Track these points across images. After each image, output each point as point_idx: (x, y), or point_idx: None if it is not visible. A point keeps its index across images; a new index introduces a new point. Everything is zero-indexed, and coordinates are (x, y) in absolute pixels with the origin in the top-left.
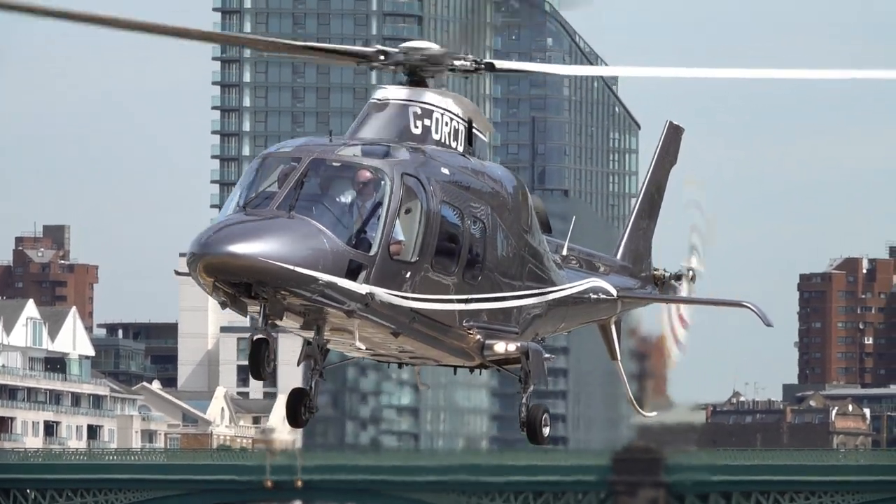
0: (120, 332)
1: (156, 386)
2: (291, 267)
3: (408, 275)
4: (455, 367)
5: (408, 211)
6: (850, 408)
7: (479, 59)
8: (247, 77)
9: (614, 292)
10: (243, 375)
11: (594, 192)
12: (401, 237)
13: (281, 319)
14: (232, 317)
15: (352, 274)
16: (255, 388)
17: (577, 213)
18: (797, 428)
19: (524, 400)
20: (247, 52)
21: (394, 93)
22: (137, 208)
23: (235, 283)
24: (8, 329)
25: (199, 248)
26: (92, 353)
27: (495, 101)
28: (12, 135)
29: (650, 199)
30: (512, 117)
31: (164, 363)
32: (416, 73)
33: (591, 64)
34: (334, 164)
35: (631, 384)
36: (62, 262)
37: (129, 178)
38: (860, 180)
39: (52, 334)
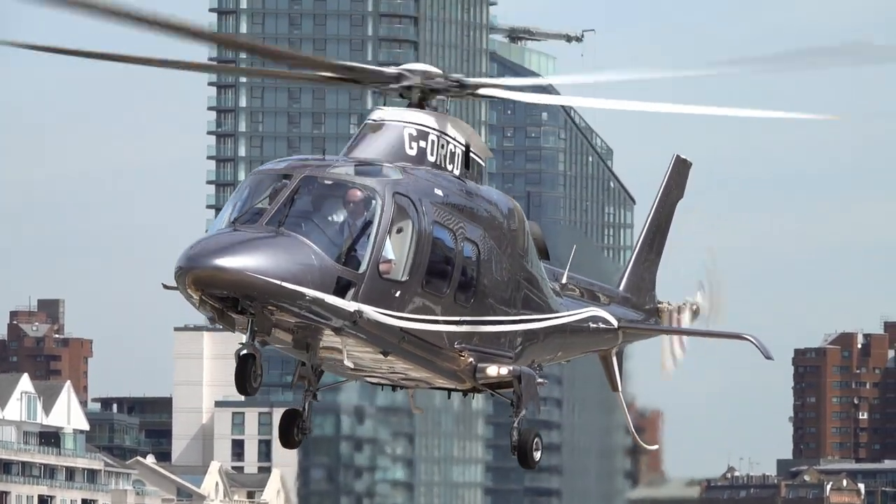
0: (114, 407)
1: (150, 460)
2: (278, 282)
3: (397, 294)
4: (449, 390)
5: (399, 230)
6: (845, 483)
7: (465, 83)
8: (242, 126)
9: (615, 323)
10: (238, 450)
11: (589, 268)
12: (391, 256)
13: (269, 335)
14: (227, 391)
15: (340, 291)
16: (250, 462)
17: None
18: (792, 503)
19: (516, 424)
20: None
21: (390, 114)
22: (132, 282)
23: (222, 297)
24: (2, 403)
25: (187, 262)
26: (86, 427)
27: (490, 176)
28: (6, 207)
29: (654, 233)
30: (507, 192)
31: (159, 437)
32: (414, 96)
33: (587, 139)
34: (326, 181)
35: (625, 460)
36: (57, 336)
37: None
38: (854, 255)
39: (47, 408)
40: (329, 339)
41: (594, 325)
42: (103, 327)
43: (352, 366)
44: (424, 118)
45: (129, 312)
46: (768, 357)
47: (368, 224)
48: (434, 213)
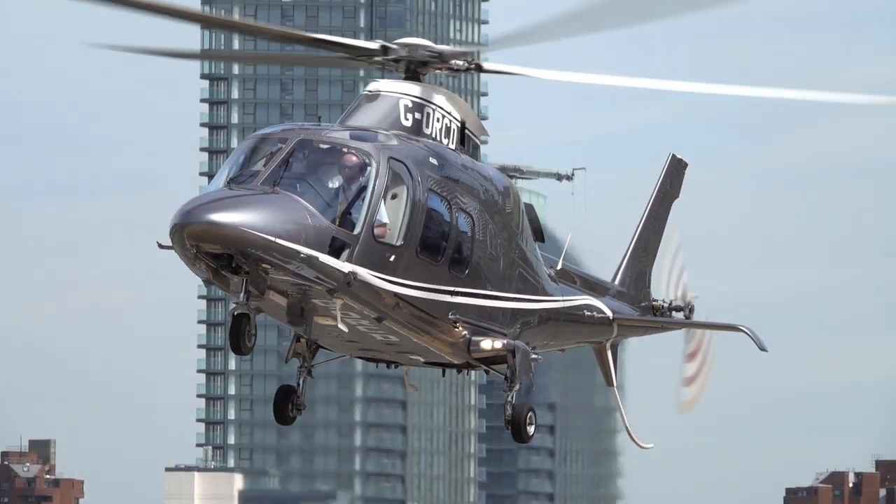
0: None
1: None
2: (273, 238)
3: (391, 258)
4: (443, 368)
5: (394, 196)
6: None
7: (469, 59)
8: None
9: (610, 314)
10: None
11: (582, 405)
12: (385, 220)
13: (262, 295)
14: None
15: (334, 252)
16: None
17: (565, 425)
18: None
19: (510, 398)
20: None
21: (386, 85)
22: (123, 423)
23: (217, 254)
24: None
25: (182, 218)
26: None
27: None
28: None
29: (649, 231)
30: None
31: None
32: (411, 70)
33: None
34: (321, 145)
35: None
36: (48, 476)
37: (115, 393)
38: (846, 393)
39: None
40: (324, 304)
41: (588, 314)
42: (95, 468)
43: (346, 330)
44: (420, 90)
45: (120, 453)
46: (762, 349)
47: (363, 188)
48: (429, 182)
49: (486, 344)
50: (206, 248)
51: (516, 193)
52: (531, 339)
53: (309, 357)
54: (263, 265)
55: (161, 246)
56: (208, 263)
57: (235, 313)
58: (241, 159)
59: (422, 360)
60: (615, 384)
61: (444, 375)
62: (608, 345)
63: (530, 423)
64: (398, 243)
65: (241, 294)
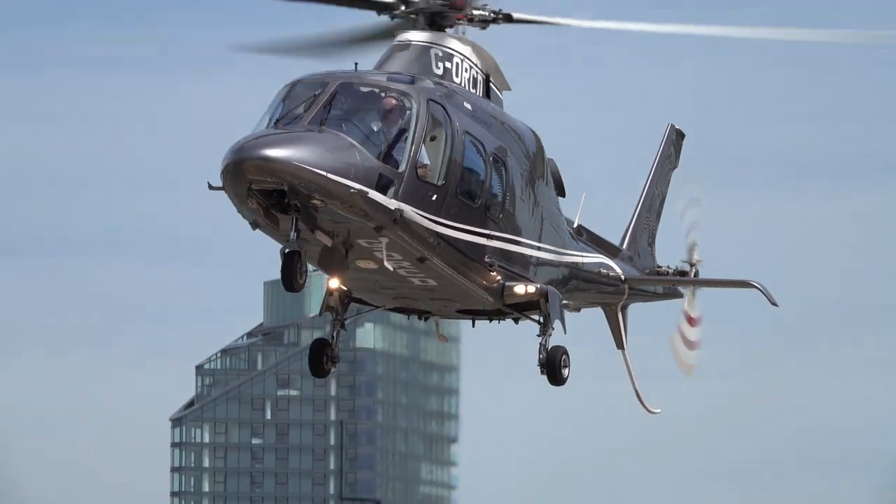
0: None
1: None
2: (324, 173)
3: (434, 197)
4: (473, 318)
5: (433, 137)
6: None
7: (497, 10)
8: None
9: (622, 275)
10: None
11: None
12: (426, 161)
13: (312, 233)
14: None
15: (381, 188)
16: None
17: None
18: None
19: (543, 342)
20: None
21: (416, 35)
22: None
23: (269, 191)
24: None
25: (236, 154)
26: None
27: None
28: None
29: (651, 197)
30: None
31: None
32: (436, 22)
33: None
34: (362, 87)
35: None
36: None
37: None
38: None
39: None
40: (369, 244)
41: (604, 273)
42: None
43: (392, 268)
44: (450, 41)
45: None
46: (773, 304)
47: (405, 128)
48: (466, 124)
49: (520, 289)
50: (260, 184)
51: (541, 144)
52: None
53: (342, 310)
54: (314, 201)
55: (211, 187)
56: (259, 201)
57: (287, 251)
58: (284, 103)
59: (456, 307)
60: (625, 347)
61: (473, 326)
62: (619, 307)
63: (564, 366)
64: (439, 182)
65: (292, 231)
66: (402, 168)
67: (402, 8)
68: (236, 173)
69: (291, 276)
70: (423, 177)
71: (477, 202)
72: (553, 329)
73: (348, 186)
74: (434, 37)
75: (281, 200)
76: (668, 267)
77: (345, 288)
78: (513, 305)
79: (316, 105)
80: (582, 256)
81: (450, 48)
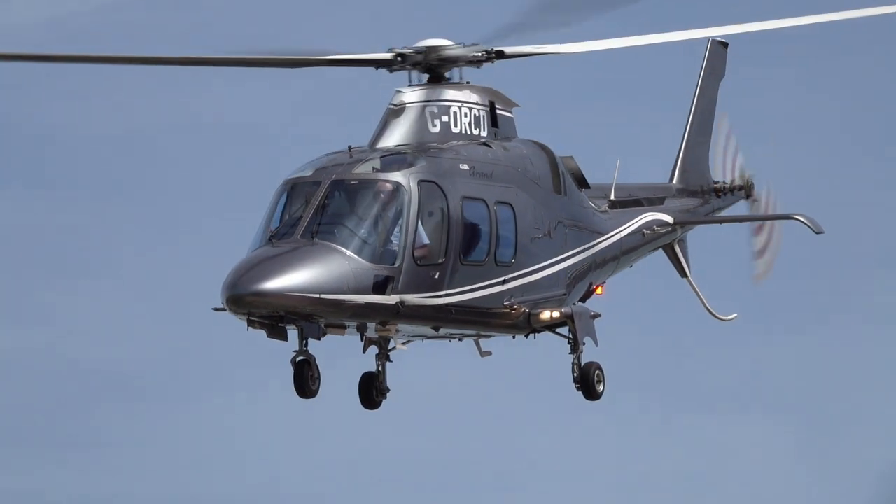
0: None
1: None
2: (317, 295)
3: (437, 276)
4: (513, 334)
5: (430, 214)
6: None
7: (489, 49)
8: None
9: (671, 220)
10: None
11: None
12: (426, 241)
13: (319, 339)
14: None
15: (378, 289)
16: None
17: None
18: None
19: (575, 360)
20: None
21: (409, 96)
22: None
23: (269, 316)
24: None
25: (230, 290)
26: None
27: None
28: None
29: (701, 116)
30: None
31: None
32: (433, 71)
33: None
34: (352, 182)
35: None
36: None
37: None
38: None
39: None
40: (381, 328)
41: (648, 231)
42: None
43: (406, 348)
44: (444, 93)
45: None
46: (819, 231)
47: (398, 216)
48: (462, 189)
49: (546, 315)
50: (258, 313)
51: (552, 156)
52: (598, 276)
53: (385, 344)
54: (314, 317)
55: (216, 309)
56: (262, 323)
57: (298, 360)
58: (280, 210)
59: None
60: (689, 274)
61: (513, 338)
62: (675, 244)
63: (599, 382)
64: (441, 260)
65: (299, 344)
66: (398, 262)
67: (400, 62)
68: (234, 306)
69: (303, 385)
70: (423, 258)
71: (485, 260)
72: (584, 345)
73: (342, 300)
74: (427, 93)
75: (281, 319)
76: (725, 182)
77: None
78: (547, 327)
79: (309, 211)
80: (618, 232)
81: (444, 100)
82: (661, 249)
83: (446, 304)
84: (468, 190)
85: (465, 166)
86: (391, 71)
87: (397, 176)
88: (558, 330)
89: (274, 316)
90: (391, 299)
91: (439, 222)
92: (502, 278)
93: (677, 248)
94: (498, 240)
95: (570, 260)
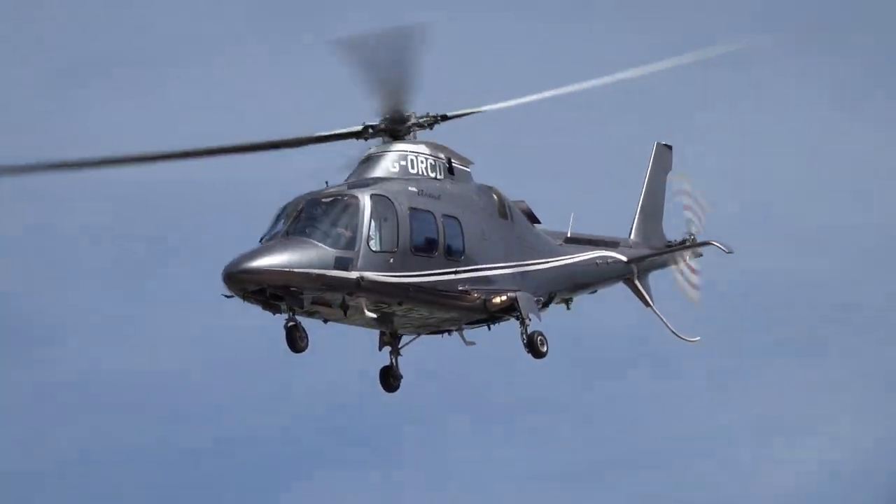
0: None
1: None
2: (289, 269)
3: (391, 261)
4: (486, 325)
5: (383, 219)
6: None
7: (434, 114)
8: None
9: (623, 258)
10: None
11: None
12: (380, 236)
13: (303, 308)
14: None
15: (340, 267)
16: None
17: None
18: None
19: (524, 331)
20: None
21: (374, 149)
22: None
23: (259, 290)
24: None
25: (224, 271)
26: None
27: None
28: None
29: (650, 204)
30: None
31: None
32: (396, 134)
33: None
34: (323, 199)
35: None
36: None
37: None
38: None
39: None
40: (355, 303)
41: (601, 263)
42: None
43: (375, 317)
44: (403, 146)
45: None
46: (730, 252)
47: (355, 218)
48: (409, 202)
49: (497, 300)
50: (249, 287)
51: (497, 192)
52: (556, 290)
53: (395, 343)
54: (292, 288)
55: (226, 296)
56: (257, 298)
57: (287, 326)
58: (271, 224)
59: (464, 321)
60: (652, 304)
61: (489, 329)
62: (635, 279)
63: (542, 344)
64: (394, 249)
65: (287, 313)
66: (356, 248)
67: (370, 131)
68: (228, 283)
69: (294, 343)
70: (378, 249)
71: (435, 253)
72: (530, 321)
73: (309, 273)
74: (388, 146)
75: (271, 294)
76: (675, 241)
77: (387, 331)
78: (501, 310)
79: (289, 220)
80: (571, 258)
81: (402, 150)
82: (624, 284)
83: (404, 283)
84: (415, 203)
85: (413, 188)
86: (365, 139)
87: (356, 192)
88: (513, 315)
89: (262, 291)
90: (352, 275)
91: (391, 224)
92: (454, 269)
93: (638, 284)
94: (446, 240)
95: (520, 268)
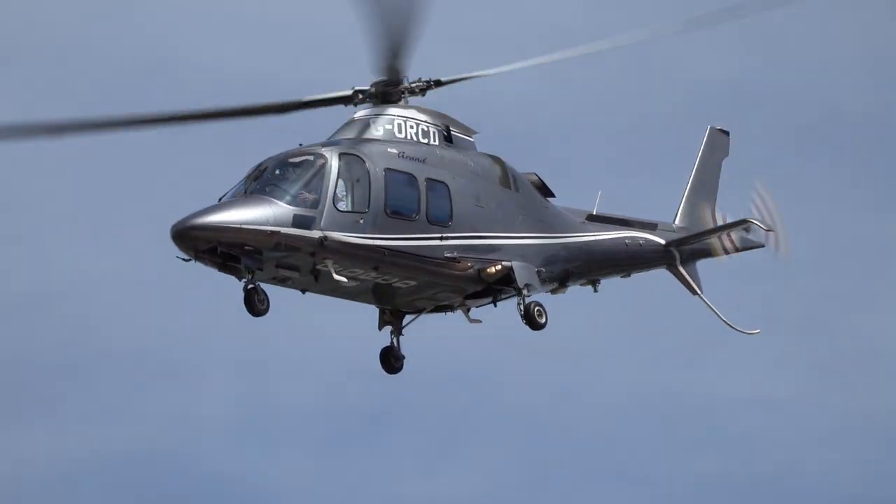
0: None
1: None
2: (239, 225)
3: (361, 221)
4: (493, 301)
5: (352, 177)
6: None
7: (428, 79)
8: None
9: (662, 241)
10: None
11: None
12: (347, 194)
13: (262, 269)
14: None
15: (299, 226)
16: None
17: None
18: None
19: (520, 301)
20: None
21: (358, 113)
22: None
23: (211, 249)
24: None
25: (171, 229)
26: None
27: None
28: None
29: (700, 183)
30: None
31: None
32: (387, 100)
33: None
34: (289, 159)
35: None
36: None
37: None
38: None
39: None
40: (323, 267)
41: (630, 243)
42: None
43: (345, 280)
44: (390, 109)
45: None
46: (770, 230)
47: (319, 176)
48: (385, 163)
49: (492, 269)
50: (198, 245)
51: (500, 161)
52: (572, 267)
53: (396, 322)
54: (246, 247)
55: (182, 259)
56: (211, 259)
57: (246, 288)
58: (236, 185)
59: (461, 295)
60: (700, 292)
61: (495, 306)
62: (678, 265)
63: (540, 315)
64: (363, 210)
65: (245, 273)
66: (319, 207)
67: (359, 97)
68: (177, 242)
69: (252, 306)
70: (345, 208)
71: (415, 216)
72: (526, 292)
73: (264, 230)
74: (375, 109)
75: (224, 254)
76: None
77: (380, 306)
78: (499, 282)
79: (250, 180)
80: (594, 235)
81: (388, 115)
82: (667, 270)
83: (376, 245)
84: (393, 165)
85: (393, 150)
86: (355, 104)
87: (323, 151)
88: (512, 286)
89: (213, 249)
90: (314, 234)
91: (363, 184)
92: (439, 235)
93: (682, 270)
94: (428, 204)
95: (524, 239)
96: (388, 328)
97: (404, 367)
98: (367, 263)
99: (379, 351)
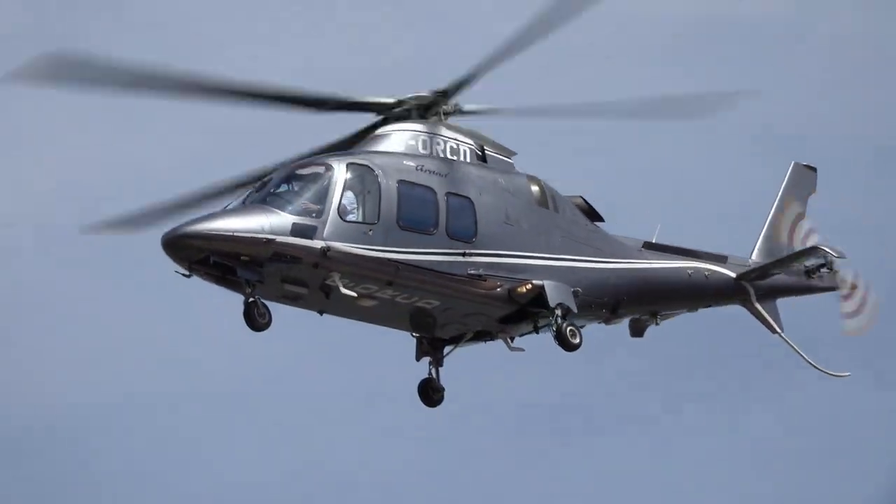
0: None
1: None
2: (232, 233)
3: (369, 232)
4: (534, 330)
5: (362, 187)
6: None
7: (455, 105)
8: None
9: (733, 274)
10: None
11: None
12: (355, 206)
13: (263, 283)
14: None
15: (299, 235)
16: None
17: None
18: None
19: (552, 321)
20: None
21: (388, 127)
22: None
23: (204, 261)
24: None
25: (161, 238)
26: None
27: None
28: None
29: (780, 228)
30: None
31: None
32: (423, 116)
33: None
34: (295, 168)
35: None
36: None
37: None
38: None
39: None
40: (331, 282)
41: (694, 273)
42: None
43: (356, 295)
44: (415, 126)
45: None
46: (841, 257)
47: (325, 186)
48: (400, 175)
49: (521, 288)
50: (190, 255)
51: (538, 181)
52: (625, 296)
53: (434, 353)
54: (242, 257)
55: (182, 274)
56: (206, 271)
57: (247, 302)
58: (246, 194)
59: (492, 318)
60: (780, 331)
61: (537, 332)
62: (754, 301)
63: (574, 335)
64: (374, 221)
65: (245, 287)
66: (323, 216)
67: (400, 108)
68: (168, 252)
69: (252, 320)
70: (352, 219)
71: (433, 231)
72: (559, 312)
73: (258, 238)
74: (404, 125)
75: (218, 264)
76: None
77: (424, 335)
78: (534, 303)
79: (253, 190)
80: (650, 263)
81: (414, 130)
82: (742, 307)
83: (387, 259)
84: (408, 177)
85: (410, 163)
86: (391, 110)
87: (331, 161)
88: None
89: (207, 260)
90: (316, 244)
91: (373, 195)
92: (461, 251)
93: (758, 307)
94: (449, 219)
95: (564, 262)
96: (427, 359)
97: (444, 399)
98: (380, 278)
99: (418, 385)
